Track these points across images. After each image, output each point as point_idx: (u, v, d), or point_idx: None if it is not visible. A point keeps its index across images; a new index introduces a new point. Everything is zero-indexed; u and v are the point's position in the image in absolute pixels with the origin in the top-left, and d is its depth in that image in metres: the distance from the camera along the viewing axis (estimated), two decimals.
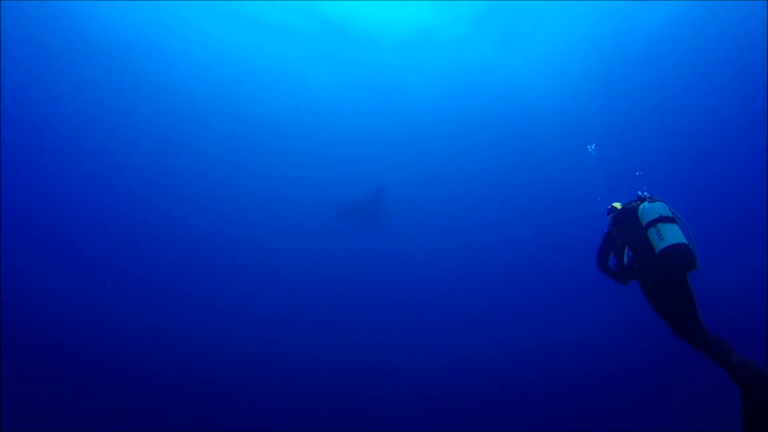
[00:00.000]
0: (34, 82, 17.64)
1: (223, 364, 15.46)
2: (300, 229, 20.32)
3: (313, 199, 20.12)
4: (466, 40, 17.64)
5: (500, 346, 16.56)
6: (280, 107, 20.12)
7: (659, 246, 4.36)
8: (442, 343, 16.83)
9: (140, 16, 16.57)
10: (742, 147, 17.96)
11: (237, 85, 19.53)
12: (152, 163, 19.79)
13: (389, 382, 15.19)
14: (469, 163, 20.92)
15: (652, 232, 4.45)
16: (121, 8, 16.06)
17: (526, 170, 20.46)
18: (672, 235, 4.37)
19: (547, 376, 15.02)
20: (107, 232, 18.80)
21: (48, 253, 17.36)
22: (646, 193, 4.84)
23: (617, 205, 5.02)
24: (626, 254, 4.83)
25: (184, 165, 20.16)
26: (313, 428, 13.35)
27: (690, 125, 19.05)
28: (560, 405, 13.75)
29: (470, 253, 20.39)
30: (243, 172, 20.87)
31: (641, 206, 4.66)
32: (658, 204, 4.60)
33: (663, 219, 4.46)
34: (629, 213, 4.75)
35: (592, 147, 17.03)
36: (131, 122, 19.12)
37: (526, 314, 17.94)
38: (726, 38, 17.31)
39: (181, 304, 17.44)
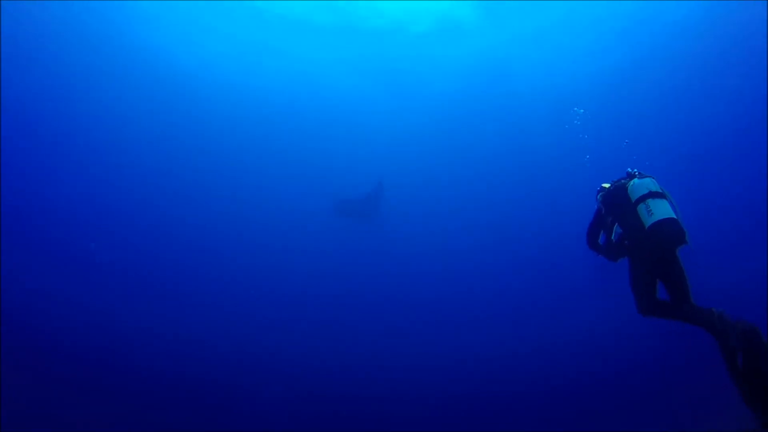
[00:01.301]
0: (35, 81, 17.63)
1: (222, 364, 15.46)
2: (300, 228, 20.25)
3: (313, 197, 20.00)
4: (473, 38, 17.53)
5: (499, 346, 16.54)
6: (282, 103, 19.98)
7: (649, 221, 4.40)
8: (441, 344, 16.82)
9: (152, 14, 16.52)
10: (742, 147, 17.96)
11: (239, 83, 19.43)
12: (151, 162, 19.74)
13: (389, 382, 15.18)
14: (472, 161, 20.78)
15: (641, 208, 4.50)
16: (131, 6, 16.03)
17: (531, 168, 20.32)
18: (661, 210, 4.42)
19: (547, 376, 15.01)
20: (106, 232, 18.78)
21: (48, 254, 17.36)
22: (635, 170, 4.90)
23: (606, 185, 5.07)
24: (614, 231, 4.87)
25: (183, 164, 20.08)
26: (312, 428, 13.35)
27: (689, 126, 19.05)
28: (560, 405, 13.74)
29: (471, 251, 20.30)
30: (244, 170, 20.78)
31: (631, 183, 4.72)
32: (647, 180, 4.66)
33: (652, 194, 4.51)
34: (619, 190, 4.81)
35: (581, 111, 17.03)
36: (132, 121, 19.10)
37: (525, 314, 17.92)
38: (726, 37, 17.30)
39: (180, 303, 17.42)
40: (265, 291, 18.73)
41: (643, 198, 4.51)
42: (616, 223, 4.82)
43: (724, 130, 18.56)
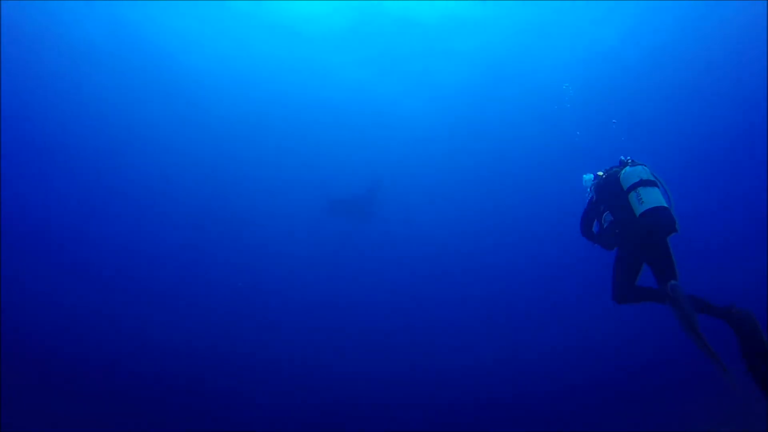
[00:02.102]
0: (36, 82, 17.58)
1: (220, 366, 15.42)
2: (295, 227, 19.98)
3: (309, 196, 19.65)
4: (477, 33, 17.28)
5: (502, 348, 16.50)
6: (280, 101, 19.72)
7: (639, 209, 4.43)
8: (442, 345, 16.75)
9: (156, 14, 16.42)
10: (742, 147, 17.97)
11: (239, 83, 19.23)
12: (148, 162, 19.56)
13: (388, 384, 15.14)
14: (476, 158, 20.46)
15: (632, 196, 4.53)
16: (141, 7, 15.94)
17: (536, 167, 20.05)
18: (652, 198, 4.44)
19: (549, 378, 14.98)
20: (105, 235, 18.71)
21: (48, 256, 17.34)
22: (628, 157, 4.91)
23: (600, 173, 5.10)
24: (605, 219, 4.91)
25: (179, 164, 19.85)
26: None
27: (689, 127, 19.04)
28: (561, 406, 13.72)
29: (474, 251, 20.10)
30: (240, 169, 20.51)
31: (623, 171, 4.74)
32: (639, 168, 4.67)
33: (643, 183, 4.53)
34: (611, 178, 4.83)
35: (567, 86, 16.98)
36: (130, 122, 18.98)
37: (527, 315, 17.87)
38: (726, 38, 17.29)
39: (177, 304, 17.34)
40: (260, 292, 18.60)
41: (634, 186, 4.53)
42: (607, 211, 4.84)
43: (724, 131, 18.56)
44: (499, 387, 14.91)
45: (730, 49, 17.46)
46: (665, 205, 4.43)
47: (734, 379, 3.99)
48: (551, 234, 18.90)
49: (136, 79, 18.26)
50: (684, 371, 12.57)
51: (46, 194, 18.75)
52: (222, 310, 17.61)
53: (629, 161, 4.84)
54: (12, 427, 10.85)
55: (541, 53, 18.03)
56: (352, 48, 17.96)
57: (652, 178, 4.58)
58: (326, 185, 19.28)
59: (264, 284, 18.91)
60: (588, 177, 5.35)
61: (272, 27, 17.33)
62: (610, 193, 4.76)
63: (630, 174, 4.63)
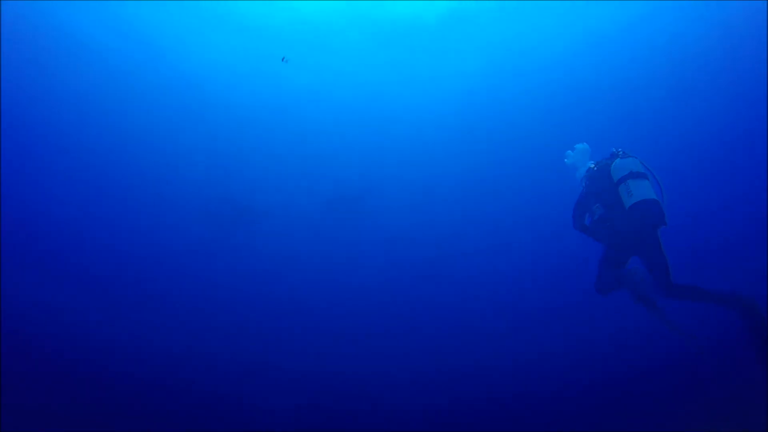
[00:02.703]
0: (36, 85, 17.55)
1: (218, 367, 15.39)
2: (297, 227, 19.94)
3: (304, 195, 19.59)
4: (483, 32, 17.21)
5: (500, 349, 16.47)
6: (281, 100, 19.65)
7: (628, 202, 4.45)
8: (440, 347, 16.71)
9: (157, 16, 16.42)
10: (742, 147, 17.95)
11: (243, 87, 19.18)
12: (145, 163, 19.50)
13: (389, 386, 15.10)
14: (480, 158, 20.38)
15: (622, 189, 4.55)
16: (141, 7, 15.92)
17: (542, 170, 19.92)
18: (641, 191, 4.45)
19: (549, 379, 14.94)
20: (106, 235, 18.69)
21: (48, 257, 17.35)
22: (619, 149, 4.89)
23: (592, 165, 5.10)
24: (596, 212, 4.91)
25: (176, 165, 19.79)
26: None
27: (689, 126, 19.02)
28: (560, 407, 13.70)
29: (477, 251, 20.05)
30: (237, 169, 20.47)
31: (613, 163, 4.72)
32: (629, 160, 4.67)
33: (633, 175, 4.53)
34: (602, 170, 4.82)
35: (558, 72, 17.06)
36: (130, 121, 18.96)
37: (527, 316, 17.84)
38: (726, 38, 17.29)
39: (176, 304, 17.30)
40: (259, 292, 18.54)
41: (624, 178, 4.55)
42: (598, 204, 4.83)
43: (724, 130, 18.54)
44: (498, 387, 14.89)
45: (730, 48, 17.44)
46: (655, 197, 4.44)
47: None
48: (554, 233, 18.84)
49: (134, 79, 18.27)
50: (684, 371, 12.54)
51: (46, 195, 18.75)
52: (220, 311, 17.59)
53: (620, 153, 4.84)
54: (12, 427, 10.85)
55: (538, 52, 18.03)
56: (351, 48, 17.97)
57: (643, 170, 4.59)
58: (324, 184, 19.23)
59: (262, 284, 18.89)
60: (570, 153, 5.34)
61: (271, 26, 17.34)
62: (601, 185, 4.78)
63: (620, 166, 4.66)
